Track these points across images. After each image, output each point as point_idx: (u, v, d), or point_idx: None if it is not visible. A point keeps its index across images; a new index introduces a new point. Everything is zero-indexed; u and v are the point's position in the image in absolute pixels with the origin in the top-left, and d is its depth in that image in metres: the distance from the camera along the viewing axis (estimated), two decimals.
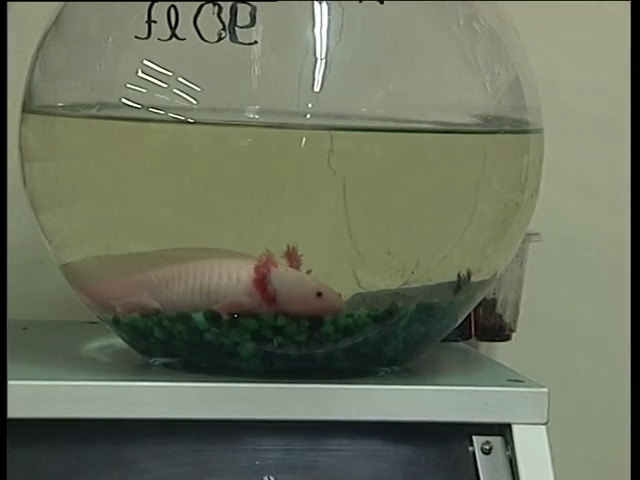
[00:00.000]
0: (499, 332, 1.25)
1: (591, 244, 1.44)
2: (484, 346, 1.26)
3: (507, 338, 1.25)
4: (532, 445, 0.96)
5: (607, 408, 1.47)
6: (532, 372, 1.05)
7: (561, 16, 1.40)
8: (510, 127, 0.99)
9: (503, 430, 0.96)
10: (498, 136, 0.98)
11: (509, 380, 1.00)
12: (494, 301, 1.23)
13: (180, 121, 0.87)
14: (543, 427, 0.97)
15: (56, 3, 1.05)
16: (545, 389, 0.97)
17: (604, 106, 1.42)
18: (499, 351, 1.28)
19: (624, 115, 1.36)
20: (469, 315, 1.13)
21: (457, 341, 1.19)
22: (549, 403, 0.99)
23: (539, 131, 1.00)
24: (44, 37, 0.96)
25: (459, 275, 0.96)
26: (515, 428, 0.96)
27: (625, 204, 1.37)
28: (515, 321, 1.25)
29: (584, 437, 1.45)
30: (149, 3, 0.88)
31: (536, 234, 1.21)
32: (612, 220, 1.42)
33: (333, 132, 0.90)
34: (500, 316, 1.25)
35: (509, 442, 0.96)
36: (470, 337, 1.23)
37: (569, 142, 1.37)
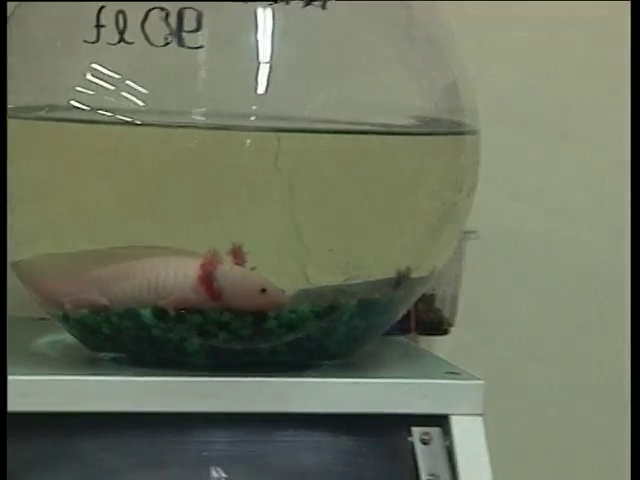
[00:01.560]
0: (438, 326, 1.25)
1: (527, 242, 1.45)
2: (423, 340, 1.26)
3: (445, 332, 1.26)
4: (469, 435, 0.97)
5: (540, 399, 1.48)
6: (469, 365, 1.06)
7: (497, 19, 1.41)
8: (447, 129, 1.01)
9: (441, 421, 0.97)
10: (435, 137, 1.00)
11: (447, 373, 1.01)
12: (433, 297, 1.24)
13: (128, 123, 0.88)
14: (479, 418, 0.98)
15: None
16: (481, 381, 0.99)
17: (540, 108, 1.43)
18: (438, 345, 1.28)
19: (559, 116, 1.42)
20: (409, 310, 1.14)
21: (397, 335, 1.19)
22: (485, 395, 1.00)
23: (475, 132, 1.01)
24: None
25: (398, 272, 0.97)
26: (453, 419, 0.97)
27: (558, 203, 1.43)
28: (453, 316, 1.26)
29: (519, 427, 1.46)
30: (98, 8, 0.87)
31: (473, 232, 1.22)
32: (546, 219, 1.44)
33: (278, 134, 0.91)
34: (439, 311, 1.25)
35: (447, 432, 0.97)
36: (410, 331, 1.23)
37: (505, 143, 1.38)
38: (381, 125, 0.96)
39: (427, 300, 1.23)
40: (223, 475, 0.91)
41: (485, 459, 0.97)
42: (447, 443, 0.97)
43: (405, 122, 0.99)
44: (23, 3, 1.00)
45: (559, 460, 1.48)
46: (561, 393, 1.47)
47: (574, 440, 1.49)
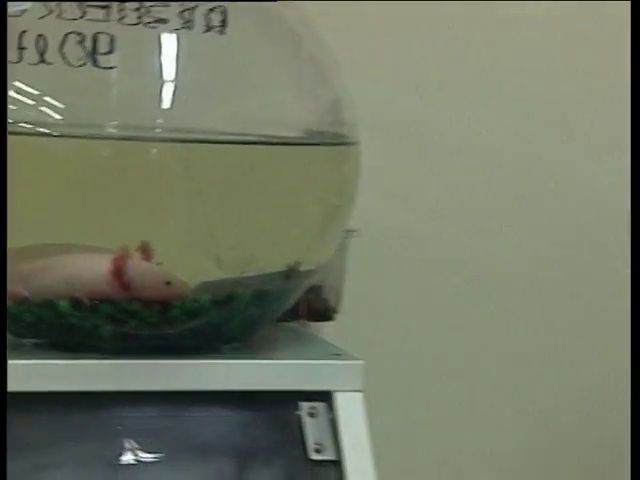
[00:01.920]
0: (325, 314, 1.31)
1: (404, 239, 1.51)
2: (312, 326, 1.31)
3: (331, 319, 1.31)
4: (350, 409, 1.04)
5: (416, 377, 1.54)
6: (352, 347, 1.12)
7: (377, 44, 1.48)
8: (330, 140, 1.08)
9: (326, 397, 1.04)
10: (320, 148, 1.08)
11: (332, 354, 1.09)
12: (320, 287, 1.29)
13: (47, 135, 0.94)
14: (359, 394, 1.05)
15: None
16: (361, 361, 1.06)
17: (416, 122, 1.49)
18: (325, 330, 1.33)
19: (428, 129, 1.49)
20: (299, 299, 1.19)
21: (289, 321, 1.24)
22: (365, 373, 1.07)
23: (356, 143, 1.09)
24: None
25: (288, 266, 1.05)
26: (336, 395, 1.03)
27: (436, 204, 1.52)
28: (338, 304, 1.31)
29: (399, 402, 1.52)
30: (19, 32, 0.94)
31: (355, 230, 1.26)
32: (424, 218, 1.51)
33: (182, 143, 0.98)
34: (326, 300, 1.30)
35: (331, 407, 1.03)
36: (300, 318, 1.27)
37: (384, 152, 1.45)
38: (272, 137, 1.03)
39: (315, 290, 1.27)
40: (135, 446, 0.97)
41: (364, 430, 1.04)
42: (331, 416, 1.03)
43: (294, 134, 1.06)
44: None
45: (434, 431, 1.55)
46: (435, 371, 1.54)
47: (446, 414, 1.55)
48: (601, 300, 1.59)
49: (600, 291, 1.59)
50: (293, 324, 1.27)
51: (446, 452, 1.56)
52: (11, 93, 0.94)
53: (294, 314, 1.25)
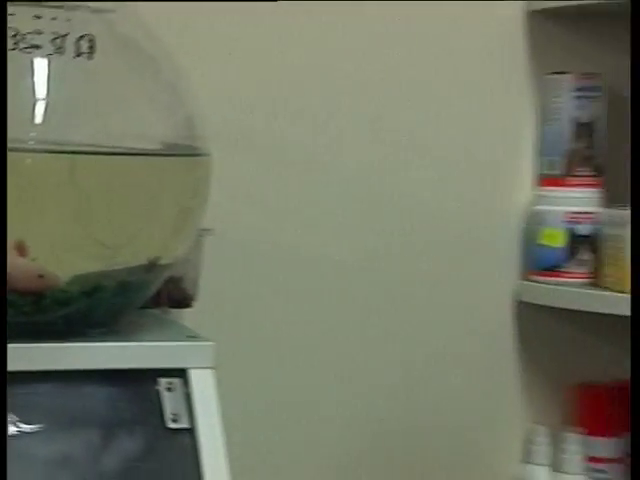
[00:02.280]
0: (183, 302, 1.36)
1: (253, 236, 1.56)
2: (173, 312, 1.35)
3: (189, 306, 1.37)
4: (203, 384, 1.11)
5: (265, 357, 1.58)
6: (207, 331, 1.19)
7: (231, 69, 1.53)
8: (184, 152, 1.15)
9: (182, 373, 1.11)
10: (175, 158, 1.15)
11: (187, 336, 1.16)
12: (180, 278, 1.34)
13: None
14: (211, 371, 1.12)
15: None
16: (212, 343, 1.14)
17: (264, 136, 1.56)
18: (184, 316, 1.36)
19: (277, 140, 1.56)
20: (160, 289, 1.24)
21: (151, 308, 1.29)
22: (217, 353, 1.13)
23: (207, 155, 1.16)
24: None
25: (149, 260, 1.12)
26: (190, 372, 1.11)
27: (280, 206, 1.58)
28: (195, 293, 1.37)
29: (249, 378, 1.55)
30: None
31: (209, 229, 1.33)
32: (269, 219, 1.57)
33: (53, 154, 1.05)
34: (184, 290, 1.36)
35: (186, 382, 1.10)
36: (162, 305, 1.32)
37: (236, 162, 1.50)
38: (133, 149, 1.11)
39: (175, 281, 1.32)
40: (16, 418, 1.03)
41: (215, 402, 1.11)
42: (186, 390, 1.10)
43: (153, 147, 1.13)
44: None
45: (280, 403, 1.60)
46: (280, 350, 1.60)
47: (289, 387, 1.60)
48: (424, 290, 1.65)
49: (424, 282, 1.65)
50: (155, 311, 1.31)
51: (290, 421, 1.61)
52: None
53: (156, 302, 1.30)
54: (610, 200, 1.61)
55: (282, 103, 1.58)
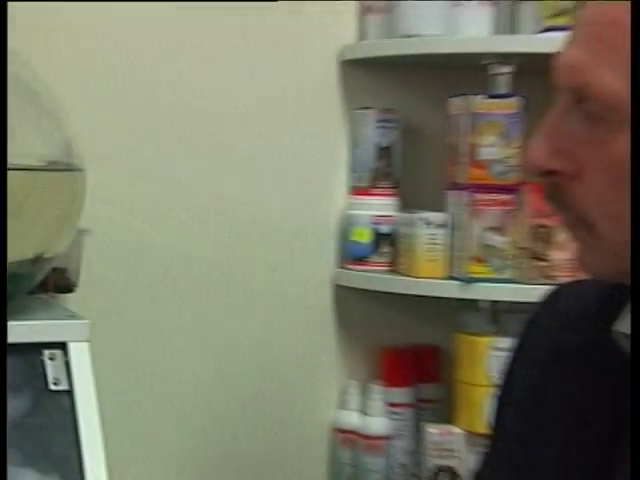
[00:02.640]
0: (67, 288, 1.34)
1: (124, 236, 1.53)
2: (59, 297, 1.34)
3: (72, 291, 1.35)
4: (79, 354, 1.11)
5: (134, 334, 1.55)
6: (86, 311, 1.19)
7: (104, 98, 1.50)
8: (64, 167, 1.16)
9: (63, 345, 1.11)
10: (56, 173, 1.16)
11: (67, 316, 1.17)
12: (64, 269, 1.32)
13: None
14: (86, 343, 1.12)
15: None
16: (87, 321, 1.14)
17: (133, 154, 1.53)
18: (68, 299, 1.34)
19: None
20: (47, 277, 1.23)
21: (40, 293, 1.28)
22: (90, 329, 1.13)
23: (82, 170, 1.16)
24: None
25: (35, 254, 1.13)
26: (69, 344, 1.11)
27: (149, 212, 1.55)
28: (77, 281, 1.34)
29: (122, 351, 1.52)
30: None
31: (87, 230, 1.32)
32: (138, 222, 1.54)
33: None
34: (68, 278, 1.33)
35: (66, 352, 1.10)
36: (49, 291, 1.30)
37: (109, 174, 1.46)
38: (22, 165, 1.10)
39: (59, 271, 1.30)
40: None
41: (89, 369, 1.11)
42: (66, 359, 1.10)
43: (38, 163, 1.13)
44: None
45: (146, 371, 1.56)
46: (146, 328, 1.56)
47: (154, 358, 1.56)
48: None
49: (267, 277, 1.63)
50: (43, 295, 1.29)
51: (154, 384, 1.57)
52: None
53: (44, 288, 1.28)
54: (404, 206, 1.62)
55: (145, 127, 1.55)
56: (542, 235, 1.50)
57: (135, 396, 1.56)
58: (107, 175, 1.46)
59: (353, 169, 1.66)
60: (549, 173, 0.73)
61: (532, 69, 1.42)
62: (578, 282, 0.92)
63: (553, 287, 0.92)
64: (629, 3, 0.69)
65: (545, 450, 0.80)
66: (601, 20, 0.71)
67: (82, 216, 1.21)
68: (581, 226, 0.74)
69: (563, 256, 1.48)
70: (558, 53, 0.73)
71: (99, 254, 1.44)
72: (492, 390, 0.94)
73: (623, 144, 0.70)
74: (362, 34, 1.65)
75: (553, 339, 0.84)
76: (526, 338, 0.90)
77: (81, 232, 1.28)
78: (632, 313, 0.71)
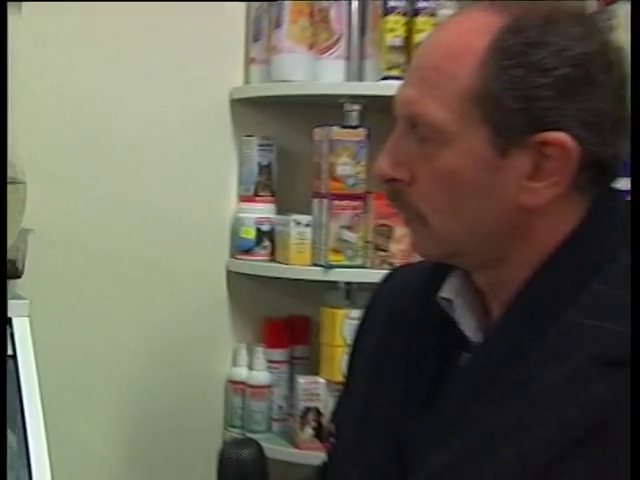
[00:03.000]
0: (15, 274, 1.22)
1: (68, 233, 1.50)
2: (10, 282, 1.20)
3: (19, 277, 1.24)
4: (21, 327, 1.09)
5: (70, 311, 1.52)
6: (30, 293, 1.15)
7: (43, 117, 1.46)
8: (10, 180, 1.10)
9: (10, 320, 1.08)
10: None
11: (12, 298, 1.11)
12: (14, 260, 1.23)
13: None
14: (27, 318, 1.10)
15: None
16: (27, 300, 1.11)
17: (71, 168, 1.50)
18: (16, 284, 1.23)
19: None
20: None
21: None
22: (30, 307, 1.11)
23: (23, 182, 1.13)
24: None
25: None
26: (13, 319, 1.09)
27: (88, 215, 1.52)
28: (23, 269, 1.24)
29: (60, 325, 1.49)
30: None
31: (31, 229, 1.26)
32: (77, 223, 1.51)
33: None
34: (17, 267, 1.24)
35: (10, 323, 1.07)
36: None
37: (49, 185, 1.44)
38: None
39: (10, 262, 1.21)
40: None
41: (29, 339, 1.09)
42: (11, 331, 1.08)
43: None
44: None
45: (84, 342, 1.53)
46: (81, 307, 1.53)
47: (90, 331, 1.54)
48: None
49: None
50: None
51: (88, 353, 1.54)
52: None
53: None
54: (280, 210, 1.62)
55: (77, 147, 1.52)
56: (384, 232, 1.51)
57: (69, 359, 1.52)
58: (46, 185, 1.42)
59: (241, 182, 1.64)
60: (391, 180, 0.74)
61: (374, 107, 1.47)
62: (410, 264, 0.94)
63: (391, 269, 0.93)
64: (450, 50, 0.71)
65: (385, 389, 0.79)
66: (426, 66, 0.72)
67: (26, 218, 1.18)
68: (416, 220, 0.74)
69: (400, 248, 1.50)
70: (397, 91, 0.73)
71: (40, 248, 1.35)
72: (346, 349, 0.94)
73: (445, 158, 0.70)
74: (247, 79, 1.64)
75: (392, 307, 0.84)
76: (371, 308, 0.89)
77: (26, 231, 1.24)
78: (632, 313, 0.67)
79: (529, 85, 0.67)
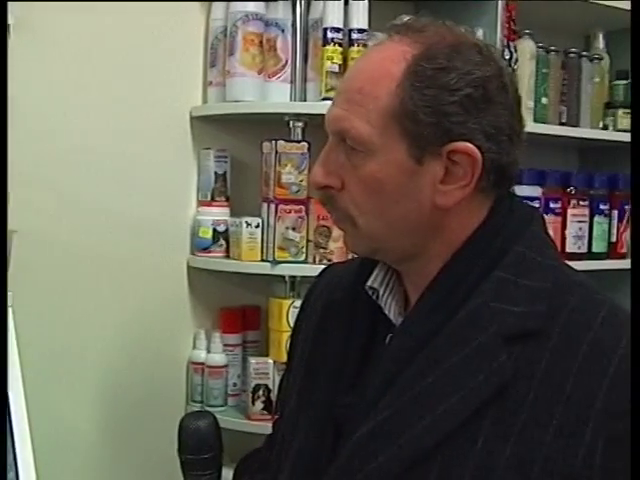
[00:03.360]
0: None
1: (46, 234, 1.49)
2: None
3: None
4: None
5: (55, 301, 1.51)
6: (15, 287, 1.09)
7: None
8: None
9: None
10: None
11: None
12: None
13: None
14: (10, 308, 1.05)
15: None
16: (11, 293, 1.05)
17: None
18: None
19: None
20: None
21: None
22: (12, 299, 1.07)
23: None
24: None
25: None
26: None
27: (65, 216, 1.51)
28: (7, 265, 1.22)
29: (42, 315, 1.49)
30: None
31: (15, 230, 1.25)
32: (55, 224, 1.50)
33: None
34: None
35: None
36: None
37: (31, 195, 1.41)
38: None
39: None
40: None
41: (12, 326, 1.06)
42: None
43: None
44: None
45: (60, 331, 1.52)
46: (61, 300, 1.52)
47: (69, 318, 1.53)
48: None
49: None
50: None
51: (65, 338, 1.54)
52: None
53: None
54: (233, 213, 1.63)
55: (57, 160, 1.51)
56: (323, 232, 1.53)
57: (50, 346, 1.52)
58: (29, 191, 1.44)
59: (200, 189, 1.65)
60: (324, 187, 0.75)
61: (315, 124, 1.47)
62: (342, 262, 0.98)
63: (326, 266, 0.94)
64: (372, 75, 0.72)
65: (321, 371, 0.80)
66: (352, 89, 0.73)
67: (11, 220, 1.12)
68: (346, 221, 0.76)
69: (337, 246, 1.52)
70: (327, 111, 0.76)
71: (24, 247, 1.37)
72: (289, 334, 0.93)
73: (370, 166, 0.72)
74: (205, 99, 1.65)
75: (326, 299, 0.85)
76: (308, 299, 0.90)
77: (11, 232, 1.22)
78: (632, 313, 0.69)
79: (439, 103, 0.70)
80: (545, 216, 1.88)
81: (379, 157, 0.72)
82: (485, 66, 0.72)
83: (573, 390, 0.66)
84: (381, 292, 0.79)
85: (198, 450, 0.85)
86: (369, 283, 0.80)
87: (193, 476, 0.85)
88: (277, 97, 1.59)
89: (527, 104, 1.75)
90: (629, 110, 1.90)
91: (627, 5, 1.89)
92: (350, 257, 1.07)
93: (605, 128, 1.91)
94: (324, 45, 1.53)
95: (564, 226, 1.80)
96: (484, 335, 0.69)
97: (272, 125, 1.60)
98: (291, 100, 1.59)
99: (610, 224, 1.89)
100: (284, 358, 0.87)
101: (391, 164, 0.72)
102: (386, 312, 0.78)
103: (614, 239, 1.90)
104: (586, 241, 1.84)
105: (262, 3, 1.56)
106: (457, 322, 0.71)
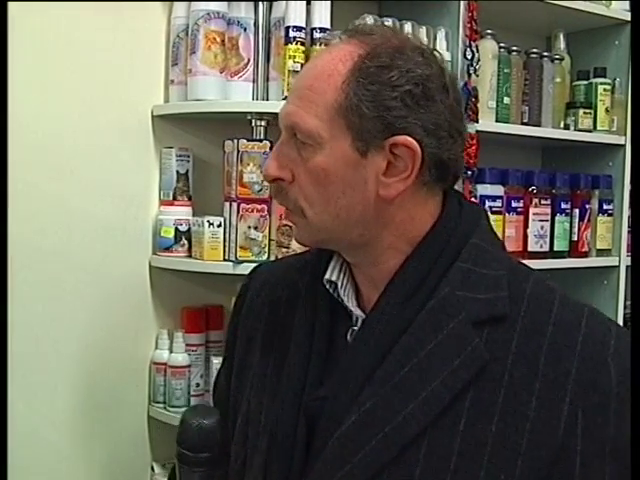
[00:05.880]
0: None
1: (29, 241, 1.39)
2: None
3: None
4: None
5: (32, 302, 1.52)
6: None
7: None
8: None
9: None
10: None
11: None
12: None
13: None
14: None
15: None
16: None
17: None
18: None
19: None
20: None
21: None
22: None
23: None
24: None
25: None
26: None
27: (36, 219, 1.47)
28: None
29: (10, 316, 1.53)
30: None
31: None
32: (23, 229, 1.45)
33: None
34: None
35: None
36: None
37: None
38: None
39: None
40: None
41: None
42: None
43: None
44: None
45: (39, 319, 1.49)
46: (24, 291, 1.47)
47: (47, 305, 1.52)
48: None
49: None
50: None
51: (43, 325, 1.53)
52: None
53: None
54: (195, 213, 1.64)
55: (24, 156, 1.39)
56: (285, 231, 1.53)
57: (10, 347, 1.39)
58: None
59: (162, 188, 1.65)
60: (277, 180, 0.77)
61: (277, 123, 1.44)
62: (273, 261, 0.98)
63: (255, 267, 0.94)
64: (321, 73, 0.75)
65: (282, 366, 0.81)
66: (303, 86, 0.76)
67: None
68: (296, 212, 0.78)
69: (299, 245, 1.53)
70: (280, 109, 0.78)
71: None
72: None
73: (318, 159, 0.74)
74: (167, 98, 1.64)
75: (268, 296, 0.86)
76: (243, 300, 0.91)
77: None
78: (632, 313, 0.73)
79: (382, 98, 0.73)
80: (507, 215, 1.95)
81: (326, 150, 0.74)
82: (426, 66, 0.76)
83: (546, 368, 0.71)
84: (339, 285, 0.81)
85: (195, 448, 0.80)
86: (327, 276, 0.81)
87: (185, 469, 0.81)
88: (239, 96, 1.59)
89: (489, 104, 1.79)
90: (590, 110, 1.95)
91: (588, 7, 1.96)
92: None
93: (567, 128, 1.94)
94: (286, 44, 1.54)
95: (526, 225, 1.83)
96: (454, 321, 0.72)
97: (234, 124, 1.61)
98: (253, 99, 1.60)
99: (572, 223, 1.92)
100: None
101: (337, 156, 0.74)
102: (347, 304, 0.80)
103: (575, 238, 1.93)
104: (548, 240, 1.86)
105: (224, 2, 1.57)
106: (427, 312, 0.74)
